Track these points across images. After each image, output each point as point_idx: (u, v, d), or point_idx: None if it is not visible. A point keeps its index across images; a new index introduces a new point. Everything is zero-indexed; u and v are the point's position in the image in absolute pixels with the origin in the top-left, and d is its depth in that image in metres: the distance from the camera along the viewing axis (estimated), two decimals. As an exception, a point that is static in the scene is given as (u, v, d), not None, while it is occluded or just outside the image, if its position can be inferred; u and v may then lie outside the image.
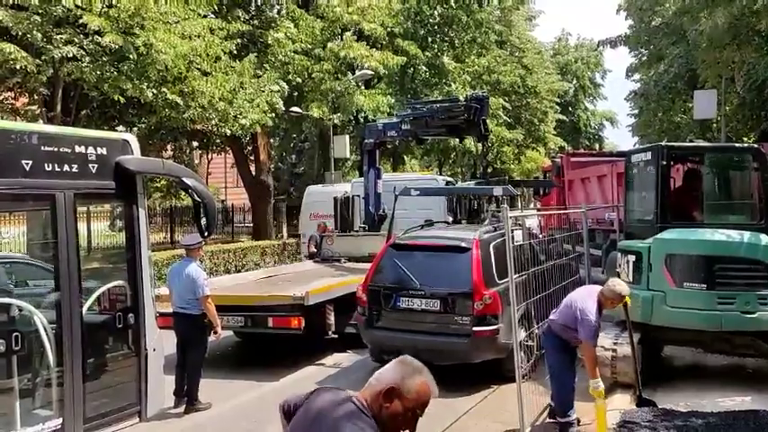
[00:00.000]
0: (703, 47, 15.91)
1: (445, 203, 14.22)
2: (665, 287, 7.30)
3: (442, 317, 8.15)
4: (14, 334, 4.74)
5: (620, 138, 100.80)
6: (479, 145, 11.84)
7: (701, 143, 14.83)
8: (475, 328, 7.85)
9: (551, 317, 6.46)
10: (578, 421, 6.36)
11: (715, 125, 22.46)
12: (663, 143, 9.01)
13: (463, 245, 8.44)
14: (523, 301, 7.11)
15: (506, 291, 7.49)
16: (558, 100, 39.27)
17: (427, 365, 2.44)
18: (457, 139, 16.16)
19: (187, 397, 7.46)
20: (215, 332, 7.76)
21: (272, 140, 26.66)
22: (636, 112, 32.66)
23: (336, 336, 9.90)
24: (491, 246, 8.45)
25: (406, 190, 10.85)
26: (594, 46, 35.15)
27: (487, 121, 11.39)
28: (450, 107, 12.01)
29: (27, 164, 4.85)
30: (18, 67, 12.33)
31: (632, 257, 7.71)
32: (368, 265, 10.83)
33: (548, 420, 6.60)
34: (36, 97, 14.48)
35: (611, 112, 53.61)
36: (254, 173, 23.41)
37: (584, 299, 6.14)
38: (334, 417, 2.22)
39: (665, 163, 8.10)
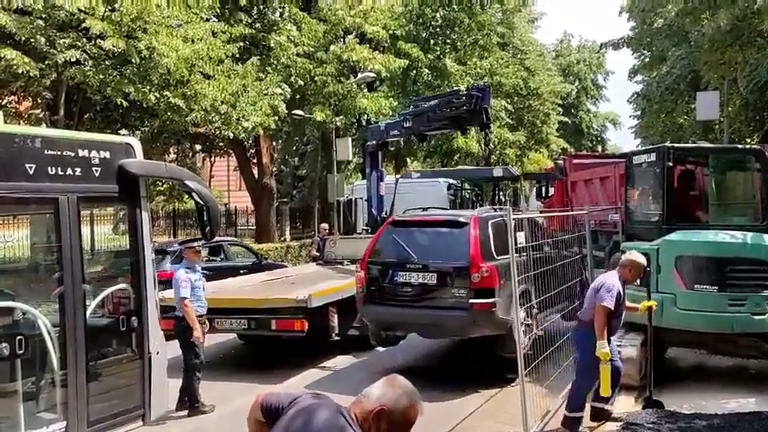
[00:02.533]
0: (705, 48, 15.90)
1: (447, 199, 14.27)
2: (676, 289, 7.26)
3: (440, 291, 8.19)
4: (18, 337, 4.76)
5: (622, 139, 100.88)
6: (482, 134, 11.75)
7: (706, 144, 14.82)
8: (472, 301, 7.87)
9: (579, 314, 6.43)
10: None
11: (717, 126, 22.42)
12: (668, 144, 8.98)
13: (461, 220, 8.54)
14: (523, 282, 7.08)
15: (504, 266, 7.56)
16: (560, 102, 39.25)
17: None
18: (459, 132, 16.07)
19: (188, 400, 7.46)
20: (194, 336, 7.54)
21: (274, 143, 26.69)
22: (638, 113, 32.60)
23: (339, 338, 9.91)
24: (489, 223, 8.50)
25: (407, 174, 10.88)
26: (597, 48, 35.18)
27: (489, 109, 11.28)
28: (451, 98, 12.01)
29: (30, 167, 4.86)
30: (21, 71, 12.37)
31: None
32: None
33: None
34: (39, 101, 14.53)
35: (614, 114, 53.57)
36: (256, 176, 23.44)
37: (604, 277, 6.18)
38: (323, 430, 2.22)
39: (670, 164, 8.08)
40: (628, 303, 6.39)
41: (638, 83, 30.99)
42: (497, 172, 9.93)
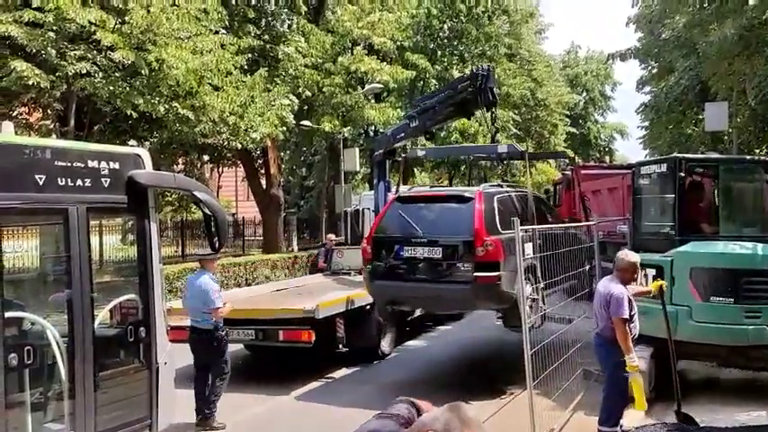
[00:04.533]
0: (713, 59, 15.85)
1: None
2: (691, 301, 7.19)
3: (445, 265, 8.24)
4: (27, 347, 4.77)
5: (630, 150, 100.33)
6: (488, 114, 11.66)
7: (715, 155, 14.72)
8: (476, 274, 7.90)
9: (595, 331, 6.39)
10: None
11: (726, 137, 22.33)
12: (681, 155, 8.85)
13: (466, 195, 8.62)
14: (530, 258, 7.17)
15: (509, 240, 7.67)
16: (567, 112, 39.21)
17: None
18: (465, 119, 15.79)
19: (205, 411, 7.38)
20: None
21: (282, 154, 26.76)
22: (646, 124, 32.51)
23: (347, 349, 9.90)
24: (495, 198, 8.59)
25: (413, 151, 10.88)
26: (604, 59, 35.16)
27: (494, 88, 11.22)
28: (454, 83, 11.98)
29: (40, 178, 4.90)
30: (32, 83, 12.48)
31: (652, 271, 7.57)
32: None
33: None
34: (50, 112, 14.62)
35: (622, 125, 53.47)
36: (264, 186, 23.50)
37: (605, 286, 6.16)
38: None
39: (683, 175, 8.00)
40: (638, 289, 6.37)
41: (646, 94, 30.93)
42: (502, 149, 9.91)
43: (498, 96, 12.62)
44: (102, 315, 5.50)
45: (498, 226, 8.21)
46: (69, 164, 5.13)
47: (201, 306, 7.50)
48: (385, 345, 10.58)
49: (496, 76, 29.37)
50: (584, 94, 48.58)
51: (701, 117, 22.00)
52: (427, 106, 12.22)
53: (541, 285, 7.76)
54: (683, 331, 7.15)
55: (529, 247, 7.77)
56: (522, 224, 8.03)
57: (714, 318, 7.09)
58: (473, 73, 11.52)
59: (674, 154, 9.77)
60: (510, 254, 7.62)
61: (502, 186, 9.57)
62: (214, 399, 7.39)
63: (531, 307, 7.11)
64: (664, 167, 8.54)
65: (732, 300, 7.04)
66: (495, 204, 8.47)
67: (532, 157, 22.56)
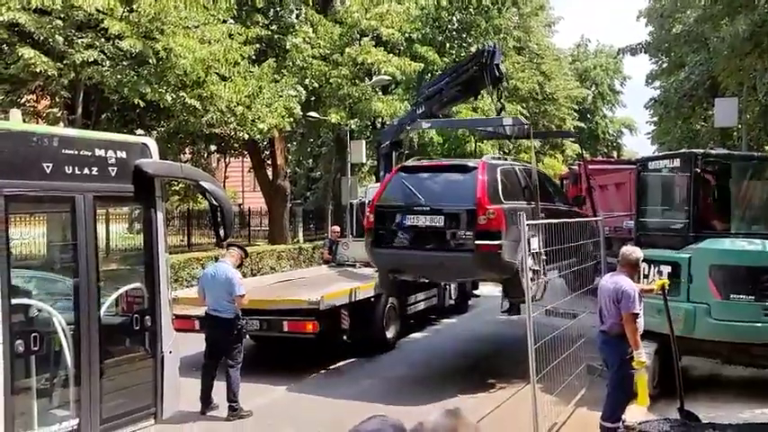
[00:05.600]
0: (724, 54, 15.73)
1: None
2: (710, 299, 7.14)
3: (447, 233, 8.29)
4: (33, 334, 4.80)
5: (638, 145, 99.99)
6: (495, 90, 11.60)
7: (723, 151, 14.60)
8: (478, 242, 7.93)
9: (600, 328, 6.37)
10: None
11: (736, 134, 22.19)
12: (697, 150, 8.71)
13: (470, 164, 8.68)
14: (531, 228, 7.20)
15: (511, 211, 7.89)
16: (576, 107, 39.03)
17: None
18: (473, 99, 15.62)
19: (228, 403, 7.42)
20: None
21: (289, 145, 26.76)
22: (655, 119, 32.33)
23: (351, 341, 9.93)
24: (498, 169, 8.65)
25: (418, 123, 10.88)
26: (614, 53, 34.92)
27: (500, 65, 11.14)
28: (460, 63, 11.88)
29: (48, 166, 4.91)
30: (39, 70, 12.50)
31: (667, 268, 7.51)
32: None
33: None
34: (57, 100, 14.65)
35: (630, 120, 53.15)
36: (270, 177, 23.53)
37: (614, 282, 6.15)
38: None
39: (698, 171, 7.90)
40: (641, 286, 6.39)
41: (656, 89, 30.73)
42: (507, 121, 9.88)
43: (505, 76, 12.45)
44: (108, 303, 5.53)
45: (501, 196, 8.27)
46: (76, 152, 5.15)
47: (225, 295, 7.52)
48: (389, 336, 10.60)
49: (505, 70, 29.34)
50: (593, 88, 48.28)
51: (710, 113, 21.87)
52: (433, 91, 12.17)
53: (543, 256, 7.74)
54: (702, 329, 7.11)
55: (534, 241, 7.77)
56: (524, 198, 8.13)
57: (733, 316, 7.03)
58: (479, 50, 11.45)
59: (690, 149, 9.63)
60: (512, 224, 7.76)
61: (506, 160, 9.61)
62: (235, 388, 7.43)
63: (532, 279, 7.10)
64: (677, 162, 8.43)
65: (753, 297, 7.00)
66: (499, 175, 8.52)
67: (539, 135, 22.41)
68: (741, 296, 7.05)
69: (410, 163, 9.53)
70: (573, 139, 39.90)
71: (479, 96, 16.19)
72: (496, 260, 7.98)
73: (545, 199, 9.30)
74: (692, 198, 7.91)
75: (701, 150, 8.64)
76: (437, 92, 11.99)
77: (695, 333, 7.08)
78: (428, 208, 8.31)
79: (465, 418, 2.17)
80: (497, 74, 11.11)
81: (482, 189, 8.13)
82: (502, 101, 11.30)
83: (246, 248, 9.00)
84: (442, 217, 8.29)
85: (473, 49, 27.66)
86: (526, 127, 9.76)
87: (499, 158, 9.79)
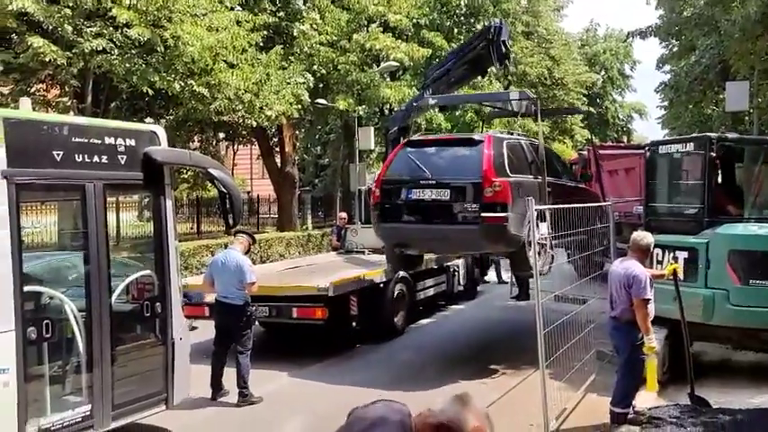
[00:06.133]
0: (735, 37, 15.56)
1: None
2: (729, 285, 7.07)
3: (453, 206, 8.30)
4: (45, 321, 4.85)
5: (649, 130, 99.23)
6: (502, 66, 11.52)
7: (734, 135, 14.45)
8: (484, 215, 7.95)
9: (610, 314, 6.36)
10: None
11: (747, 118, 21.97)
12: (712, 134, 8.51)
13: (476, 138, 8.73)
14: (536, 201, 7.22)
15: (517, 184, 7.96)
16: (585, 92, 38.71)
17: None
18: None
19: (239, 389, 7.46)
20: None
21: (297, 132, 26.73)
22: (666, 104, 32.06)
23: (360, 327, 9.96)
24: (504, 143, 8.67)
25: (424, 99, 10.88)
26: (624, 37, 34.59)
27: (507, 41, 11.02)
28: (467, 41, 11.77)
29: (58, 154, 4.94)
30: (49, 59, 12.53)
31: (684, 254, 7.43)
32: (392, 257, 10.88)
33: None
34: (67, 89, 14.69)
35: (641, 104, 52.72)
36: (279, 164, 23.53)
37: (624, 267, 6.13)
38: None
39: (713, 155, 7.77)
40: (652, 272, 6.38)
41: (666, 73, 30.44)
42: (514, 95, 9.83)
43: (511, 52, 12.29)
44: (119, 290, 5.57)
45: (507, 170, 8.28)
46: (86, 140, 5.18)
47: (235, 282, 7.54)
48: (398, 323, 10.63)
49: (513, 55, 29.15)
50: (603, 72, 47.88)
51: (721, 97, 21.63)
52: (440, 72, 12.09)
53: (549, 230, 7.73)
54: (721, 315, 7.05)
55: (543, 226, 7.74)
56: (530, 172, 8.09)
57: (753, 301, 6.95)
58: (485, 27, 11.34)
59: (704, 133, 9.50)
60: (519, 197, 7.78)
61: (512, 134, 9.62)
62: (245, 375, 7.47)
63: (539, 253, 7.09)
64: (691, 147, 8.32)
65: None
66: (505, 149, 8.53)
67: (546, 113, 22.21)
68: (761, 281, 6.98)
69: (416, 137, 9.54)
70: (582, 124, 39.72)
71: (487, 77, 16.02)
72: (502, 233, 7.99)
73: (552, 174, 9.32)
74: (707, 182, 7.80)
75: (716, 134, 8.52)
76: (444, 73, 11.90)
77: (713, 319, 7.02)
78: (434, 182, 8.33)
79: (474, 403, 2.15)
80: (504, 50, 11.02)
81: (488, 162, 8.14)
82: (509, 77, 11.21)
83: (255, 235, 9.01)
84: (449, 190, 8.30)
85: (481, 35, 27.55)
86: (533, 101, 9.72)
87: (506, 132, 9.80)
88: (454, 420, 2.11)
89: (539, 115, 10.07)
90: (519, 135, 9.88)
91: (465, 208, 8.16)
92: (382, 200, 8.82)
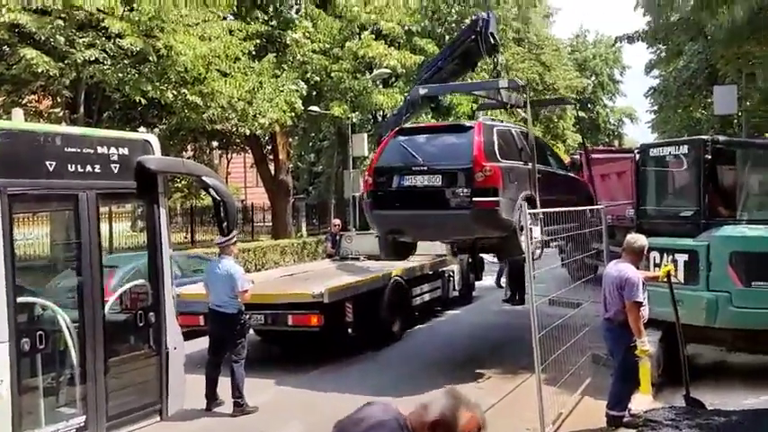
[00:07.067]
0: (722, 41, 15.66)
1: None
2: (731, 287, 7.06)
3: (445, 192, 8.37)
4: (38, 333, 4.82)
5: (639, 134, 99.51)
6: (491, 59, 11.56)
7: (734, 138, 14.53)
8: (475, 199, 8.02)
9: (604, 316, 6.39)
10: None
11: (736, 121, 22.12)
12: (707, 137, 8.59)
13: (466, 125, 8.92)
14: (527, 188, 7.50)
15: (508, 169, 8.14)
16: (576, 97, 38.92)
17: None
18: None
19: (233, 399, 7.43)
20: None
21: (290, 140, 26.75)
22: (655, 108, 32.28)
23: (355, 334, 9.95)
24: (494, 129, 8.81)
25: (415, 90, 10.96)
26: (612, 42, 34.79)
27: (495, 34, 11.00)
28: (456, 36, 11.83)
29: (51, 165, 4.93)
30: (41, 70, 12.52)
31: (683, 256, 7.44)
32: (388, 263, 10.91)
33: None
34: (59, 100, 14.69)
35: (631, 109, 53.06)
36: (273, 172, 23.53)
37: (617, 270, 6.16)
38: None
39: (709, 157, 7.82)
40: (647, 274, 6.39)
41: (655, 77, 30.67)
42: (503, 83, 9.87)
43: (500, 44, 12.27)
44: (112, 300, 5.55)
45: (498, 155, 8.39)
46: (79, 150, 5.16)
47: (228, 290, 7.52)
48: (394, 329, 10.63)
49: (504, 61, 29.17)
50: (593, 78, 48.17)
51: (710, 101, 21.79)
52: (432, 71, 12.09)
53: (540, 215, 7.76)
54: (723, 318, 7.05)
55: (536, 230, 7.76)
56: (521, 159, 8.47)
57: (756, 303, 6.95)
58: (473, 19, 11.37)
59: (696, 136, 9.54)
60: (510, 182, 7.98)
61: (502, 122, 9.74)
62: (240, 384, 7.43)
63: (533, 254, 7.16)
64: (685, 149, 8.35)
65: None
66: (495, 136, 8.65)
67: (536, 103, 22.24)
68: (764, 283, 6.99)
69: (407, 125, 9.62)
70: (574, 129, 39.86)
71: (478, 74, 15.99)
72: (494, 217, 8.07)
73: (542, 162, 9.42)
74: (703, 185, 7.82)
75: (710, 137, 8.57)
76: (436, 71, 11.93)
77: (717, 322, 7.01)
78: (426, 168, 8.41)
79: (464, 396, 2.22)
80: (493, 41, 11.07)
81: (478, 147, 8.24)
82: (498, 69, 11.29)
83: (250, 243, 8.99)
84: (440, 176, 8.38)
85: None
86: (522, 89, 9.80)
87: (496, 119, 9.93)
88: (448, 415, 2.16)
89: (527, 103, 10.11)
90: (509, 124, 10.01)
91: (457, 193, 8.25)
92: (375, 187, 8.90)
